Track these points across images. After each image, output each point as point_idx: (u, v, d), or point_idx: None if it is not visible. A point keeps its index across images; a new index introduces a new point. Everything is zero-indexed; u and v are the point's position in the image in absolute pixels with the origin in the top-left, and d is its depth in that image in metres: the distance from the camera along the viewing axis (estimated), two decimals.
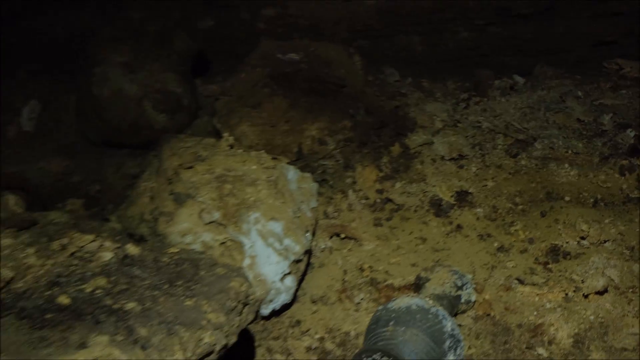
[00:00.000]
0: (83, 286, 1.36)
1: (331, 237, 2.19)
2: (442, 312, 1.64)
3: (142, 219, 1.95)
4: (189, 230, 1.76)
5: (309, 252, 1.92)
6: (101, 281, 1.37)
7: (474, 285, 1.94)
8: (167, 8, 3.31)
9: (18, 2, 3.49)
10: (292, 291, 1.84)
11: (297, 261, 1.82)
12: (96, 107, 2.72)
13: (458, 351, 1.61)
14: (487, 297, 1.93)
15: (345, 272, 2.09)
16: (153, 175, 2.12)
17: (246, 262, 1.72)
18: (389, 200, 2.39)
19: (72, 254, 1.45)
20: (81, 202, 2.54)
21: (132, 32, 2.88)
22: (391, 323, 1.59)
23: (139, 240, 1.98)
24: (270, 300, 1.78)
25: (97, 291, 1.35)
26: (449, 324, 1.61)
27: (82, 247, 1.48)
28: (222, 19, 3.58)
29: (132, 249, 1.49)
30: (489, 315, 1.89)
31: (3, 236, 1.47)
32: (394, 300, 1.67)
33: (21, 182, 2.44)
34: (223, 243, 1.75)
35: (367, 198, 2.40)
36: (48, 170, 2.76)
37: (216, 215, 1.75)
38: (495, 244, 2.18)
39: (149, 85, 2.73)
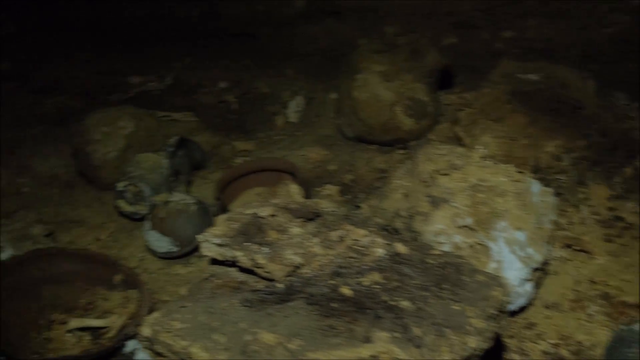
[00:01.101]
0: (361, 279, 1.48)
1: (564, 247, 2.39)
2: None
3: (398, 214, 2.28)
4: (442, 231, 2.05)
5: (546, 262, 2.14)
6: (376, 276, 1.48)
7: None
8: (417, 24, 3.70)
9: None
10: (529, 296, 2.06)
11: (537, 269, 2.05)
12: (354, 108, 3.15)
13: None
14: None
15: (577, 282, 2.26)
16: (406, 175, 2.44)
17: (492, 265, 1.99)
18: (620, 218, 2.53)
19: (349, 246, 1.59)
20: (337, 189, 2.96)
21: (389, 45, 3.27)
22: (634, 345, 1.75)
23: (393, 232, 2.32)
24: (510, 303, 2.02)
25: (374, 286, 1.45)
26: None
27: (356, 240, 1.61)
28: (464, 37, 3.90)
29: (400, 247, 1.59)
30: None
31: (293, 225, 1.64)
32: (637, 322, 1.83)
33: (292, 167, 2.88)
34: (472, 246, 2.01)
35: (598, 214, 2.56)
36: (309, 158, 3.22)
37: (468, 220, 2.03)
38: None
39: (401, 93, 3.10)
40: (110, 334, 2.20)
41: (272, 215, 1.63)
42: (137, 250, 2.71)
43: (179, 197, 2.69)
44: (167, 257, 2.63)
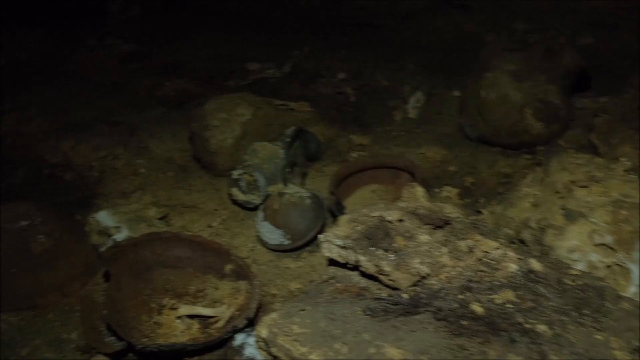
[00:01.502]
0: (493, 296, 1.36)
1: None
2: None
3: (526, 225, 2.13)
4: (577, 247, 1.89)
5: None
6: (509, 294, 1.36)
7: None
8: (550, 22, 3.47)
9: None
10: None
11: None
12: (480, 107, 2.99)
13: None
14: None
15: None
16: (536, 183, 2.29)
17: (632, 289, 1.81)
18: None
19: (479, 259, 1.48)
20: (457, 191, 2.83)
21: (521, 43, 3.09)
22: None
23: (520, 243, 2.18)
24: None
25: (508, 305, 1.33)
26: None
27: (486, 252, 1.50)
28: (603, 37, 3.61)
29: (535, 264, 1.46)
30: None
31: (421, 232, 1.53)
32: None
33: (412, 166, 2.77)
34: (609, 267, 1.84)
35: None
36: (427, 157, 3.10)
37: (608, 238, 1.86)
38: None
39: (532, 95, 2.92)
40: (219, 325, 2.17)
41: (400, 220, 1.52)
42: (248, 240, 2.68)
43: (293, 190, 2.64)
44: (278, 249, 2.59)
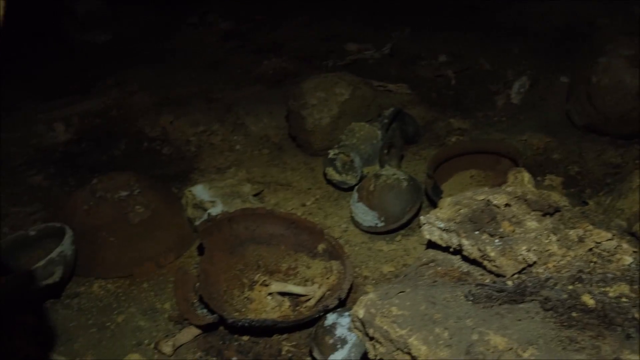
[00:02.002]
0: (606, 289, 1.28)
1: None
2: None
3: None
4: None
5: None
6: (624, 288, 1.27)
7: None
8: None
9: None
10: None
11: None
12: (590, 93, 2.84)
13: None
14: None
15: None
16: None
17: None
18: None
19: (590, 249, 1.38)
20: (560, 180, 2.70)
21: (638, 27, 2.90)
22: None
23: (631, 236, 2.05)
24: None
25: (623, 299, 1.24)
26: None
27: (599, 243, 1.39)
28: None
29: None
30: None
31: (529, 218, 1.44)
32: None
33: (515, 152, 2.66)
34: None
35: None
36: (530, 144, 2.98)
37: None
38: None
39: None
40: (310, 303, 2.16)
41: (507, 205, 1.44)
42: (341, 220, 2.66)
43: (390, 172, 2.59)
44: (371, 231, 2.55)
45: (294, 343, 2.09)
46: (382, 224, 2.50)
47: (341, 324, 2.00)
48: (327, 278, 2.24)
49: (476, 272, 1.39)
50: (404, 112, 3.03)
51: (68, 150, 3.34)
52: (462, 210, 1.45)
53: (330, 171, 2.77)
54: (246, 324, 1.98)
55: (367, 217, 2.52)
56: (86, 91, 3.95)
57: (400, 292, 1.30)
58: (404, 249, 2.45)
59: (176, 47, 4.56)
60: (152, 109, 3.63)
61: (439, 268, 1.42)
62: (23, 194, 2.98)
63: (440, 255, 1.48)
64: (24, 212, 2.84)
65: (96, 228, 2.46)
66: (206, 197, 2.63)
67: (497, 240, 1.36)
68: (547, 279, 1.30)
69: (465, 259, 1.41)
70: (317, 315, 2.04)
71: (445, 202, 1.52)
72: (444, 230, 1.44)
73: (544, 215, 1.48)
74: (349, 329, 1.98)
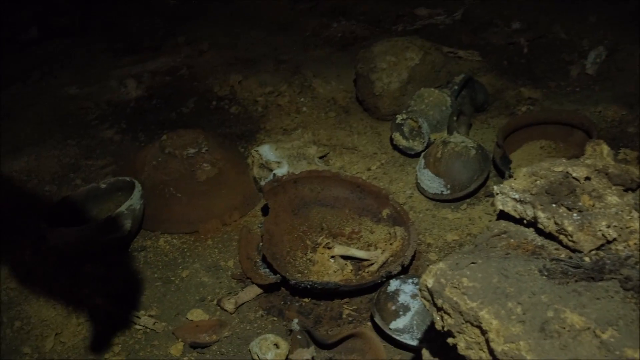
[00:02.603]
0: None
1: None
2: None
3: None
4: None
5: None
6: None
7: None
8: None
9: None
10: None
11: None
12: None
13: None
14: None
15: None
16: None
17: None
18: None
19: None
20: (636, 155, 2.60)
21: None
22: None
23: None
24: None
25: None
26: None
27: None
28: None
29: None
30: None
31: (610, 193, 1.40)
32: None
33: (588, 124, 2.58)
34: None
35: None
36: (604, 116, 2.88)
37: None
38: None
39: None
40: (373, 268, 2.16)
41: (587, 178, 1.40)
42: (406, 186, 2.64)
43: (458, 139, 2.55)
44: (437, 199, 2.52)
45: (354, 307, 2.10)
46: (448, 191, 2.48)
47: (404, 290, 2.00)
48: (391, 244, 2.23)
49: (551, 246, 1.36)
50: (474, 80, 2.97)
51: (139, 106, 3.40)
52: (538, 182, 1.42)
53: (397, 136, 2.74)
54: (308, 286, 2.00)
55: (433, 184, 2.50)
56: (158, 48, 4.00)
57: (472, 263, 1.28)
58: (469, 218, 2.43)
59: (247, 7, 4.56)
60: (221, 68, 3.65)
61: (512, 240, 1.40)
62: (95, 148, 3.06)
63: (512, 227, 1.45)
64: (96, 165, 2.92)
65: (164, 184, 2.51)
66: (272, 157, 2.64)
67: (575, 214, 1.32)
68: (628, 257, 1.26)
69: (540, 232, 1.38)
70: (380, 281, 2.04)
71: (521, 172, 1.48)
72: (518, 201, 1.41)
73: (626, 190, 1.44)
74: (412, 296, 1.98)
